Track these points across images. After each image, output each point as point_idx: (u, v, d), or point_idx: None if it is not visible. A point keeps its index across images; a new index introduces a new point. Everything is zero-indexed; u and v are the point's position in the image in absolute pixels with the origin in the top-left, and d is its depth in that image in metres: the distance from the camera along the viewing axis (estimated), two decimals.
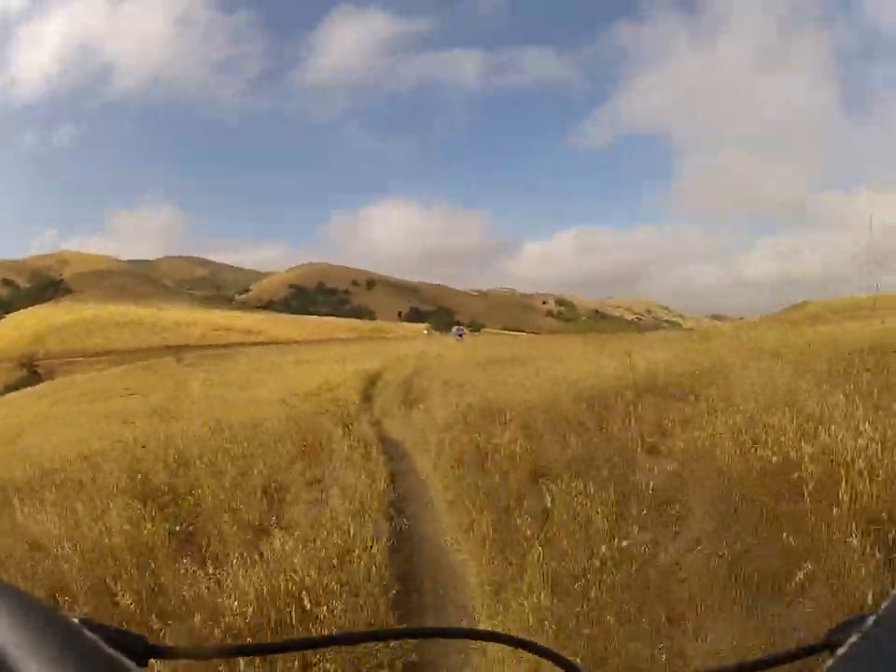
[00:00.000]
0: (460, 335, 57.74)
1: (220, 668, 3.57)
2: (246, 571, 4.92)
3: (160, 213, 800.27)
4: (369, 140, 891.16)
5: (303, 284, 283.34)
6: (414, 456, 10.30)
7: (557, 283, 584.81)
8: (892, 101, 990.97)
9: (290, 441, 9.61)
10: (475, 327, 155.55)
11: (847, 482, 4.66)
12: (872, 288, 30.01)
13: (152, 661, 0.66)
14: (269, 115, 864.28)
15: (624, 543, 4.87)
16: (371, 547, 5.47)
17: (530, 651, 0.85)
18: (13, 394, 50.00)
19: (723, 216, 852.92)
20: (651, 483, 5.93)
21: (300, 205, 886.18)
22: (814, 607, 4.01)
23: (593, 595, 4.45)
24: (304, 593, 4.58)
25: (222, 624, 4.36)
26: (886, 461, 4.90)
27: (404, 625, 4.63)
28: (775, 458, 5.47)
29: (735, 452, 5.96)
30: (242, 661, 3.51)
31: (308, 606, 4.49)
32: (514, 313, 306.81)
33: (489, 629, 1.11)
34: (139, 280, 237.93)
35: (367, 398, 17.27)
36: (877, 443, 5.11)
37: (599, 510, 5.42)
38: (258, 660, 3.64)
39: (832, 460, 5.07)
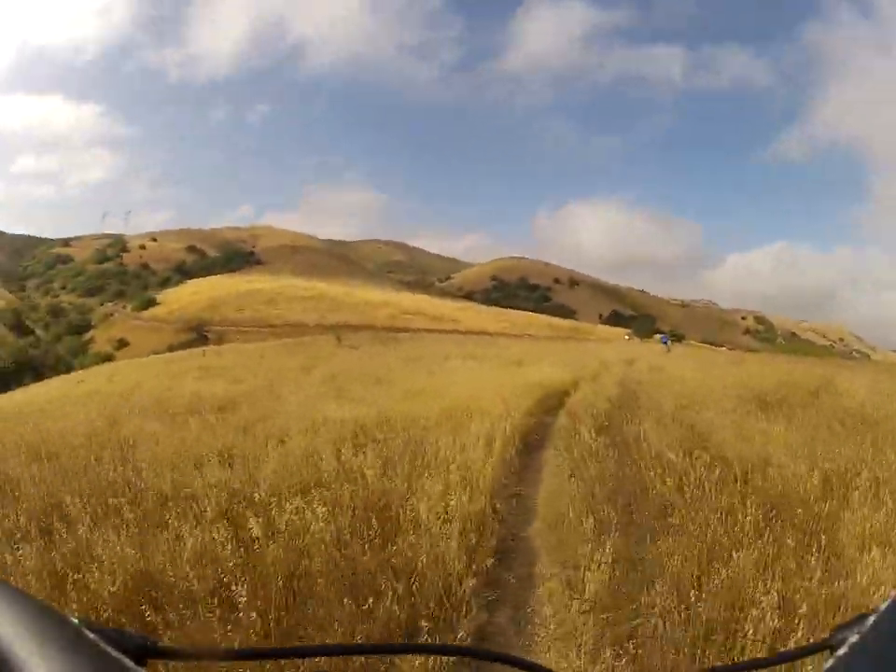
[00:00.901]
0: (665, 343, 51.50)
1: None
2: None
3: (358, 195, 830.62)
4: (570, 135, 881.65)
5: (505, 277, 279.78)
6: None
7: (753, 299, 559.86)
8: None
9: None
10: (677, 336, 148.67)
11: None
12: None
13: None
14: (467, 103, 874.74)
15: None
16: None
17: (515, 666, 0.82)
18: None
19: None
20: None
21: (501, 198, 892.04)
22: None
23: None
24: None
25: None
26: None
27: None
28: None
29: None
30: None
31: None
32: (713, 326, 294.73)
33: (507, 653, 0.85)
34: (334, 259, 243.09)
35: (527, 447, 9.50)
36: None
37: None
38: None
39: None
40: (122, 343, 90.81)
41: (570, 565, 5.28)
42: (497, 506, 6.62)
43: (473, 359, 23.85)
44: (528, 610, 4.92)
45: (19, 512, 5.81)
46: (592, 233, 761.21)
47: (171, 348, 65.89)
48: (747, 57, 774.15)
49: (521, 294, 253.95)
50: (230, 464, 7.53)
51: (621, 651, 3.99)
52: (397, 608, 4.26)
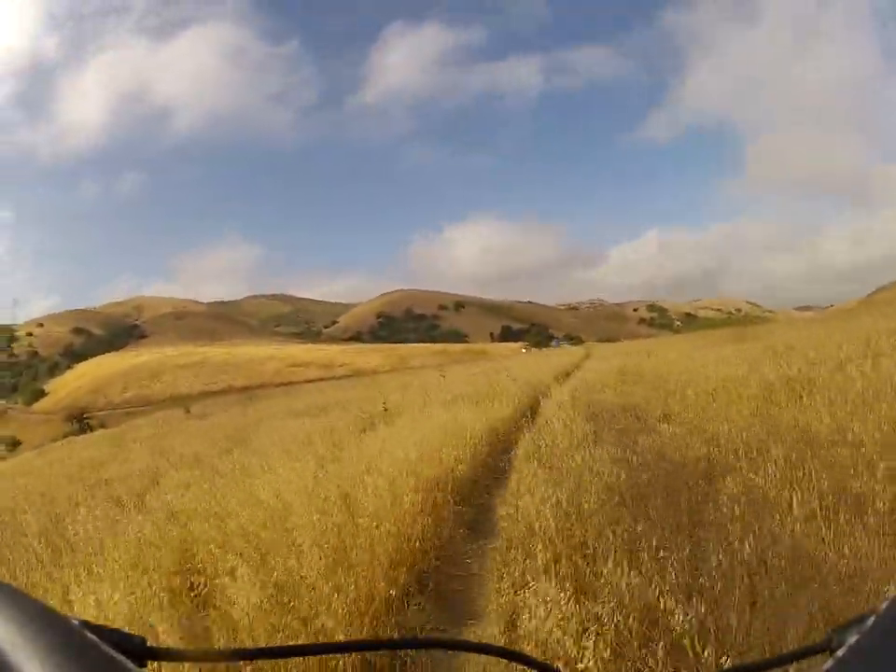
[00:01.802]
0: (557, 346, 60.24)
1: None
2: None
3: (239, 251, 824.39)
4: (437, 159, 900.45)
5: (391, 312, 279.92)
6: None
7: (643, 289, 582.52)
8: None
9: None
10: (574, 340, 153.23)
11: None
12: None
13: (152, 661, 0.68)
14: (333, 141, 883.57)
15: None
16: None
17: (518, 662, 0.85)
18: None
19: (795, 200, 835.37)
20: None
21: (379, 233, 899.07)
22: None
23: None
24: None
25: None
26: None
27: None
28: None
29: None
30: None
31: None
32: (606, 323, 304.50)
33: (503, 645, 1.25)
34: (219, 321, 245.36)
35: None
36: None
37: None
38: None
39: None
40: (16, 443, 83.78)
41: None
42: None
43: (341, 409, 18.35)
44: None
45: None
46: (471, 253, 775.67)
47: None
48: (606, 53, 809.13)
49: (409, 326, 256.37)
50: None
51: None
52: None
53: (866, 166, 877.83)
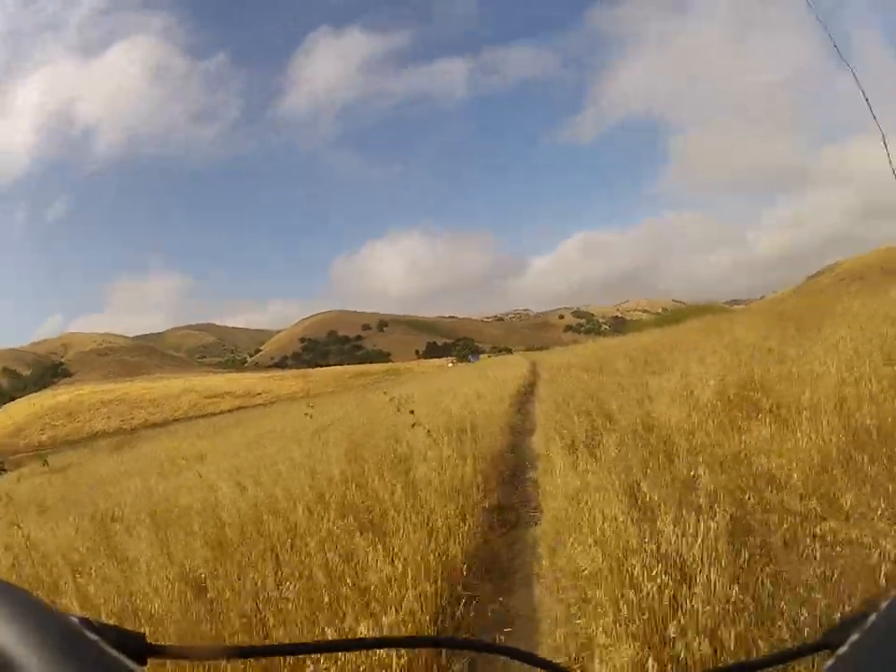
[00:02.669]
0: (475, 360, 61.76)
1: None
2: None
3: (165, 282, 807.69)
4: (360, 172, 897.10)
5: (314, 335, 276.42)
6: None
7: (571, 294, 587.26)
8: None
9: None
10: (501, 350, 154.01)
11: None
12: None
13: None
14: (253, 158, 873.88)
15: None
16: None
17: (545, 668, 0.83)
18: None
19: (727, 194, 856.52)
20: None
21: (306, 253, 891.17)
22: None
23: None
24: None
25: None
26: None
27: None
28: None
29: None
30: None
31: None
32: (533, 332, 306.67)
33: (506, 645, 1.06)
34: (143, 354, 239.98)
35: None
36: None
37: None
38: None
39: None
40: None
41: None
42: None
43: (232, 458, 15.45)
44: None
45: None
46: (396, 271, 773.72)
47: None
48: (532, 52, 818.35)
49: (332, 349, 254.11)
50: None
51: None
52: None
53: (793, 157, 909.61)
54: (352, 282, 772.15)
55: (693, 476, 5.61)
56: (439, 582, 4.42)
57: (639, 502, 4.92)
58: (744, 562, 3.97)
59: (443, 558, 4.76)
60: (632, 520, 4.44)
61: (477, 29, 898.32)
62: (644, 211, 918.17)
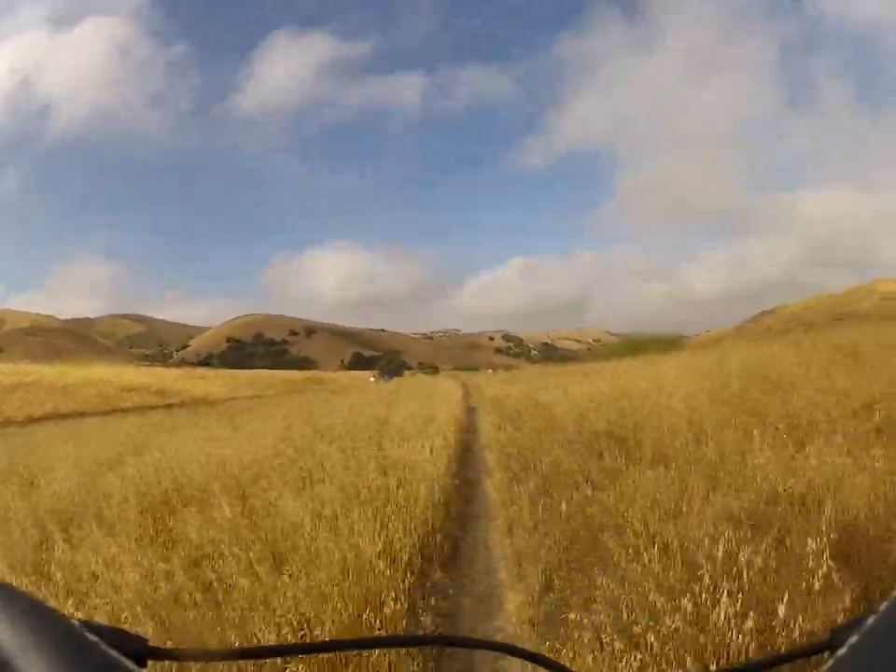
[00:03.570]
0: (388, 380, 68.24)
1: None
2: None
3: (99, 268, 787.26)
4: (305, 176, 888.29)
5: (241, 336, 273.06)
6: None
7: (503, 318, 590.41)
8: (828, 94, 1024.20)
9: None
10: (430, 368, 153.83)
11: None
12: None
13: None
14: (201, 152, 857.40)
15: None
16: None
17: (543, 666, 0.82)
18: None
19: (668, 230, 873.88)
20: None
21: (244, 252, 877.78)
22: None
23: None
24: None
25: None
26: None
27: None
28: None
29: None
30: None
31: None
32: (462, 352, 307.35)
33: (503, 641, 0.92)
34: (73, 339, 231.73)
35: None
36: None
37: None
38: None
39: None
40: None
41: None
42: None
43: None
44: None
45: None
46: (331, 280, 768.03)
47: None
48: (491, 75, 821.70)
49: (258, 351, 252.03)
50: None
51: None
52: None
53: (737, 197, 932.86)
54: (287, 286, 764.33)
55: None
56: None
57: None
58: None
59: None
60: None
61: (439, 46, 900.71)
62: (587, 241, 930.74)
